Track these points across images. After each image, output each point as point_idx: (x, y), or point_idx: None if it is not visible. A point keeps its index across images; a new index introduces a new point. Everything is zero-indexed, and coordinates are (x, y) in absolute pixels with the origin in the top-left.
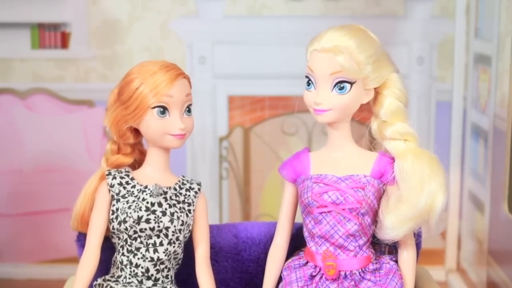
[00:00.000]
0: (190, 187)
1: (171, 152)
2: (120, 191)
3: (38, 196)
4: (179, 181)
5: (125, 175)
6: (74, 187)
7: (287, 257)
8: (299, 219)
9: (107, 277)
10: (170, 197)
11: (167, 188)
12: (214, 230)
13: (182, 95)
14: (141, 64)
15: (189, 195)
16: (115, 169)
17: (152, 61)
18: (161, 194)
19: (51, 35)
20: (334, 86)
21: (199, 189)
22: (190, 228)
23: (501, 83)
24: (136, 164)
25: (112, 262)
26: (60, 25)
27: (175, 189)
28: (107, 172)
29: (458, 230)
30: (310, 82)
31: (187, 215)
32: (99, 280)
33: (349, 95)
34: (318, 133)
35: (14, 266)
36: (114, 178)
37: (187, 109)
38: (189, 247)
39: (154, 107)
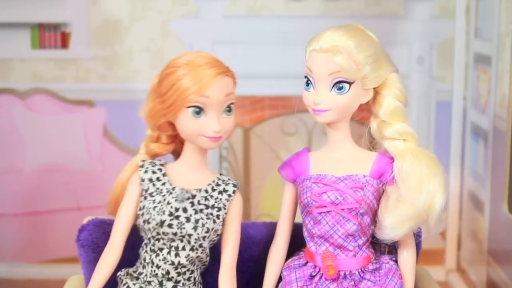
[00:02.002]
0: (224, 189)
1: None
2: (148, 188)
3: (38, 196)
4: (213, 181)
5: (158, 169)
6: (74, 187)
7: (287, 257)
8: (299, 219)
9: (130, 270)
10: (199, 201)
11: (196, 191)
12: None
13: (220, 96)
14: (185, 57)
15: (220, 199)
16: (150, 161)
17: (197, 55)
18: (188, 199)
19: (51, 35)
20: (333, 86)
21: (234, 192)
22: (219, 233)
23: (501, 83)
24: (176, 154)
25: (139, 255)
26: (60, 25)
27: (206, 191)
28: (140, 163)
29: (458, 230)
30: (309, 82)
31: (214, 221)
32: (123, 272)
33: (348, 95)
34: (318, 133)
35: (14, 266)
36: (146, 172)
37: (228, 108)
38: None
39: (190, 107)
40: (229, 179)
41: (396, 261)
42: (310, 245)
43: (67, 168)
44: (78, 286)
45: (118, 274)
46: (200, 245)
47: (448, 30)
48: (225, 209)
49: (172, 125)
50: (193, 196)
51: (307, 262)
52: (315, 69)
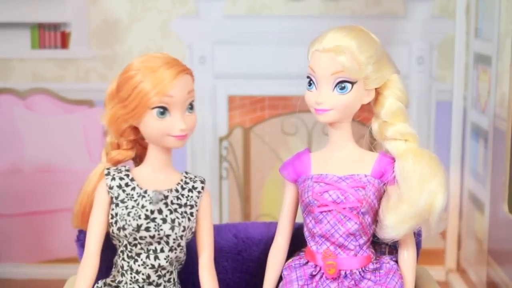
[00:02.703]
0: (193, 186)
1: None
2: (119, 194)
3: (38, 196)
4: (182, 180)
5: (125, 175)
6: (74, 187)
7: (288, 257)
8: (299, 219)
9: (108, 280)
10: (171, 201)
11: (168, 192)
12: (214, 230)
13: (183, 94)
14: (142, 59)
15: (191, 196)
16: (115, 168)
17: (153, 56)
18: (161, 200)
19: (51, 35)
20: (335, 86)
21: (202, 188)
22: (193, 230)
23: (501, 83)
24: (138, 158)
25: (114, 263)
26: (60, 25)
27: (176, 190)
28: (106, 172)
29: (458, 230)
30: (311, 82)
31: (189, 219)
32: (100, 283)
33: (350, 95)
34: (318, 133)
35: (14, 266)
36: (113, 179)
37: (189, 106)
38: (189, 245)
39: (154, 108)
40: (195, 176)
41: (396, 261)
42: (311, 245)
43: (67, 168)
44: None
45: (95, 286)
46: (178, 245)
47: (448, 30)
48: (196, 206)
49: (134, 130)
50: (166, 197)
51: (307, 262)
52: (317, 69)
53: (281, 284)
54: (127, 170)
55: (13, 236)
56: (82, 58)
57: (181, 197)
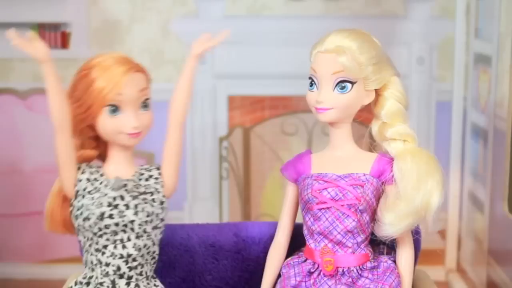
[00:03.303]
0: (149, 175)
1: None
2: (86, 187)
3: (38, 196)
4: (136, 172)
5: (95, 171)
6: None
7: (287, 257)
8: (299, 219)
9: (79, 278)
10: (132, 189)
11: (127, 180)
12: (215, 229)
13: (134, 91)
14: (97, 58)
15: (149, 185)
16: (86, 164)
17: (107, 55)
18: (123, 186)
19: (51, 35)
20: (336, 85)
21: (159, 174)
22: (161, 217)
23: (501, 83)
24: (103, 157)
25: (84, 263)
26: (60, 25)
27: (134, 181)
28: (77, 166)
29: (458, 230)
30: (313, 82)
31: (152, 205)
32: (71, 283)
33: (350, 95)
34: (318, 133)
35: (14, 266)
36: (83, 172)
37: (143, 104)
38: (183, 242)
39: (106, 106)
40: (150, 166)
41: (394, 261)
42: (310, 242)
43: None
44: None
45: (69, 287)
46: (145, 231)
47: (448, 30)
48: (158, 192)
49: (92, 127)
50: (126, 185)
51: (306, 259)
52: (319, 69)
53: (279, 280)
54: (99, 166)
55: (13, 236)
56: (82, 58)
57: (139, 186)
